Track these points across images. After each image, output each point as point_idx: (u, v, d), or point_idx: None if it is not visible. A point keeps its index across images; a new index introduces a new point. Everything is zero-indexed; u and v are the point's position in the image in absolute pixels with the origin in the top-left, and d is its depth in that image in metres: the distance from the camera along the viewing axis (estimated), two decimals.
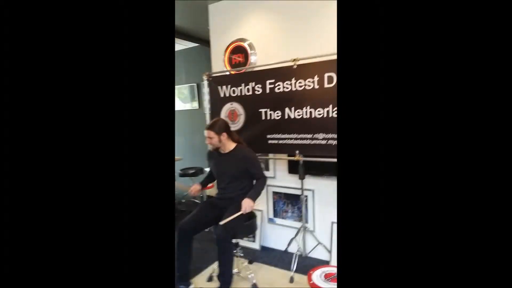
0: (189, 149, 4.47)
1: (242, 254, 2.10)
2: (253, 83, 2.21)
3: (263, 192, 1.94)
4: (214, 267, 2.08)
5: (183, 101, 4.45)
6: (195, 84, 4.25)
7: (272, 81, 2.12)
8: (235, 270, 2.00)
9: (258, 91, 2.20)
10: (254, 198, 1.80)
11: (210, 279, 2.04)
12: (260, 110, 2.20)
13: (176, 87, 4.45)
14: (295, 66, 2.00)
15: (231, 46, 2.53)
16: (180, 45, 4.04)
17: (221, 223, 1.68)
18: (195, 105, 4.33)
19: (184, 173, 3.57)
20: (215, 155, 1.96)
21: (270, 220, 2.52)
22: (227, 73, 2.51)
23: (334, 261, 2.14)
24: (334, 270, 1.47)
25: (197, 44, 3.97)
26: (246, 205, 1.74)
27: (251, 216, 1.98)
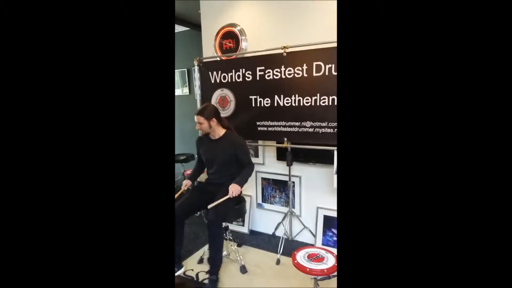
0: (180, 135, 4.46)
1: (231, 238, 2.18)
2: (244, 70, 2.21)
3: (253, 177, 1.99)
4: (205, 250, 2.15)
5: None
6: (185, 69, 4.20)
7: (262, 68, 2.13)
8: (224, 253, 2.08)
9: (249, 77, 2.21)
10: (241, 183, 1.84)
11: (200, 261, 2.12)
12: (250, 97, 2.22)
13: None
14: (285, 54, 2.01)
15: (222, 31, 2.51)
16: None
17: (209, 207, 1.73)
18: (186, 90, 4.29)
19: (175, 159, 3.59)
20: (205, 141, 1.99)
21: (259, 205, 2.59)
22: (218, 58, 2.49)
23: (318, 244, 2.24)
24: (316, 250, 1.55)
25: (187, 28, 3.89)
26: (233, 189, 1.79)
27: (240, 200, 2.03)
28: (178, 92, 4.36)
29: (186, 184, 1.97)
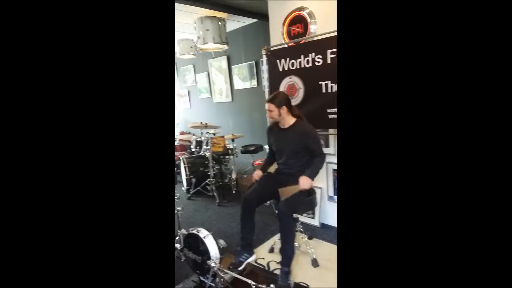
0: (249, 126, 4.58)
1: (302, 229, 2.12)
2: (313, 54, 2.09)
3: (323, 168, 1.88)
4: (275, 239, 2.14)
5: (242, 80, 4.52)
6: (253, 62, 4.25)
7: (334, 50, 1.97)
8: (295, 244, 2.03)
9: (319, 62, 2.07)
10: (311, 176, 1.75)
11: (271, 250, 2.12)
12: (321, 82, 2.09)
13: (236, 66, 4.53)
14: None
15: (290, 16, 2.42)
16: (238, 22, 4.04)
17: (282, 199, 1.70)
18: (254, 83, 4.36)
19: (245, 150, 3.70)
20: (275, 130, 1.96)
21: (330, 198, 2.45)
22: (286, 45, 2.42)
23: None
24: None
25: (255, 20, 3.91)
26: (303, 182, 1.71)
27: (310, 192, 1.95)
28: (246, 85, 4.47)
29: (257, 174, 1.98)
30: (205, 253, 1.58)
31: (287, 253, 1.77)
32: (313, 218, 2.51)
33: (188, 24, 3.52)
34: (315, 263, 1.92)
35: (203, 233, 1.62)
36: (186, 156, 3.70)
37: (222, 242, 1.57)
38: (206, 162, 3.40)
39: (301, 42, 2.30)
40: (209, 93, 5.19)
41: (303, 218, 2.51)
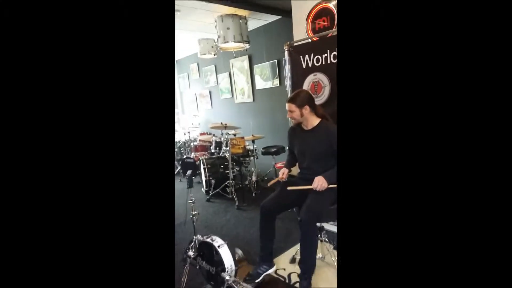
0: (270, 127, 4.44)
1: (327, 239, 1.94)
2: None
3: None
4: (297, 248, 1.99)
5: (264, 80, 4.39)
6: (275, 61, 4.11)
7: None
8: (319, 255, 1.87)
9: None
10: (330, 178, 1.57)
11: (293, 260, 1.97)
12: None
13: (258, 65, 4.41)
14: None
15: (315, 10, 2.27)
16: (260, 20, 3.93)
17: (289, 188, 1.61)
18: (276, 82, 4.21)
19: (266, 151, 3.57)
20: (297, 131, 1.81)
21: None
22: (310, 40, 2.26)
23: None
24: None
25: (277, 18, 3.78)
26: (318, 183, 1.55)
27: (337, 200, 1.77)
28: (268, 84, 4.34)
29: (283, 172, 1.82)
30: (220, 264, 1.46)
31: (307, 265, 1.61)
32: None
33: (209, 24, 3.46)
34: None
35: (217, 242, 1.51)
36: (206, 157, 3.63)
37: (239, 252, 1.44)
38: (226, 163, 3.31)
39: (328, 36, 2.13)
40: (230, 93, 5.12)
41: (328, 226, 2.32)
